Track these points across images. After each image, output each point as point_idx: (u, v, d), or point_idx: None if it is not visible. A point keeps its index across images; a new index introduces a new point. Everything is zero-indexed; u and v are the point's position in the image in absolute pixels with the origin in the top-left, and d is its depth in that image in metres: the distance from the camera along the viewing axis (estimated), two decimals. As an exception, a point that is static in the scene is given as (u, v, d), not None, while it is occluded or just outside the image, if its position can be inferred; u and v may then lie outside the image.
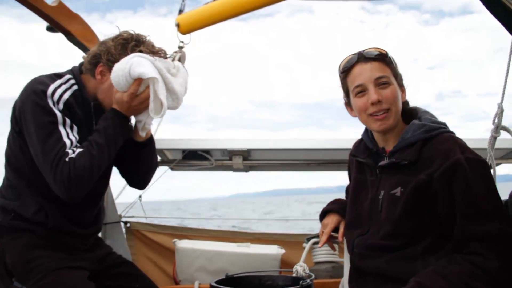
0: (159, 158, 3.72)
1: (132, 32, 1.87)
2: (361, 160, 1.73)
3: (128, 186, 2.23)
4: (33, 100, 1.74)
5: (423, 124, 1.57)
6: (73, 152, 1.71)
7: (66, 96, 1.79)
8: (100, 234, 2.17)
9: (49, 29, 2.71)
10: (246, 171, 3.98)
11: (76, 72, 1.90)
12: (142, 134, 1.94)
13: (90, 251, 1.97)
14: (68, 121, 1.76)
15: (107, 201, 3.35)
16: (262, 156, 3.80)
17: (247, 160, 3.71)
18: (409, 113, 1.68)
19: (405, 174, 1.54)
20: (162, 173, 3.77)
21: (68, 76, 1.87)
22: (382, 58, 1.61)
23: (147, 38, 1.87)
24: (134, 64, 1.74)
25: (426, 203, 1.49)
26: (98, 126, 1.81)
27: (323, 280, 2.93)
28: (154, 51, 1.83)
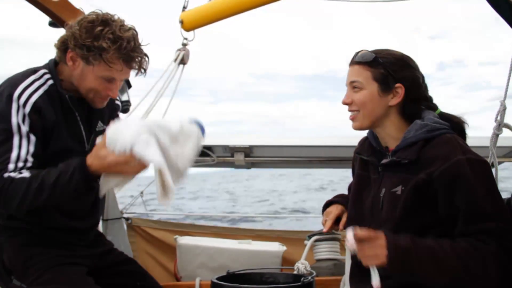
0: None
1: (99, 12, 1.72)
2: (364, 158, 1.74)
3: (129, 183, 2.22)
4: None
5: (425, 124, 1.58)
6: (17, 168, 1.60)
7: (35, 97, 1.69)
8: (101, 230, 2.16)
9: (51, 24, 2.70)
10: (248, 168, 3.97)
11: (51, 65, 1.81)
12: (101, 194, 1.72)
13: (89, 247, 1.96)
14: (24, 130, 1.64)
15: (108, 197, 3.35)
16: (264, 153, 3.79)
17: (249, 156, 3.70)
18: (414, 113, 1.68)
19: (406, 173, 1.55)
20: None
21: (43, 71, 1.78)
22: (366, 62, 1.62)
23: (115, 17, 1.72)
24: (141, 144, 1.51)
25: (426, 202, 1.49)
26: (60, 164, 1.62)
27: (325, 277, 2.92)
28: (123, 34, 1.67)
